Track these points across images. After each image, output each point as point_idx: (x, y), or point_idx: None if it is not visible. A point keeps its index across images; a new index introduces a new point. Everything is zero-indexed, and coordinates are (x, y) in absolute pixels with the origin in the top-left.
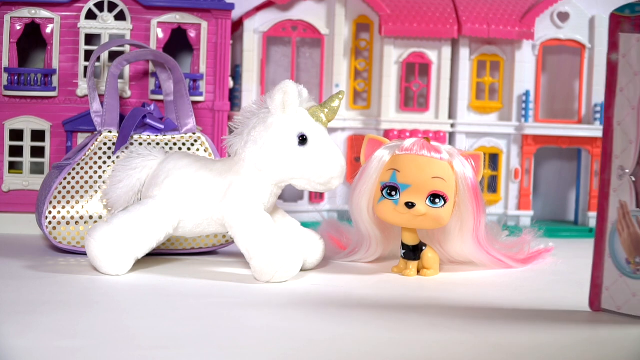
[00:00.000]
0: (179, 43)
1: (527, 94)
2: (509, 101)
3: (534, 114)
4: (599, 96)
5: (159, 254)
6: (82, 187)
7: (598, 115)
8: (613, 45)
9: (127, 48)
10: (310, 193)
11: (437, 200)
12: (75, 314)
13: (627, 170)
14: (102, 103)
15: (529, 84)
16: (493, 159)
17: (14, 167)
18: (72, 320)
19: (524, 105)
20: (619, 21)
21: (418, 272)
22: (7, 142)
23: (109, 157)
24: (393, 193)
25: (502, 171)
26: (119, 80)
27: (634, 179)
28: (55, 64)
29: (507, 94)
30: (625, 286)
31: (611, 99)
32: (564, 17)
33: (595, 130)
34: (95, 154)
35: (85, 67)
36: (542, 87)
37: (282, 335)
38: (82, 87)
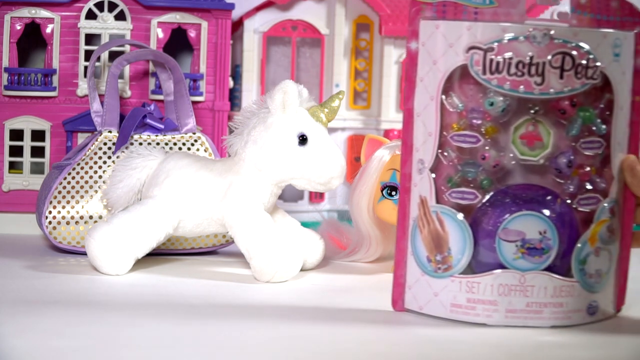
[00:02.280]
0: (179, 43)
1: None
2: None
3: None
4: None
5: (159, 254)
6: (82, 187)
7: None
8: (413, 33)
9: (127, 48)
10: (310, 193)
11: None
12: (75, 314)
13: (426, 165)
14: (102, 103)
15: None
16: None
17: (14, 167)
18: (72, 320)
19: None
20: (420, 8)
21: None
22: (7, 142)
23: (109, 157)
24: (393, 193)
25: None
26: (119, 80)
27: (434, 175)
28: (55, 64)
29: None
30: (427, 285)
31: (411, 89)
32: (564, 16)
33: None
34: (95, 153)
35: (86, 67)
36: None
37: (282, 335)
38: (82, 87)
